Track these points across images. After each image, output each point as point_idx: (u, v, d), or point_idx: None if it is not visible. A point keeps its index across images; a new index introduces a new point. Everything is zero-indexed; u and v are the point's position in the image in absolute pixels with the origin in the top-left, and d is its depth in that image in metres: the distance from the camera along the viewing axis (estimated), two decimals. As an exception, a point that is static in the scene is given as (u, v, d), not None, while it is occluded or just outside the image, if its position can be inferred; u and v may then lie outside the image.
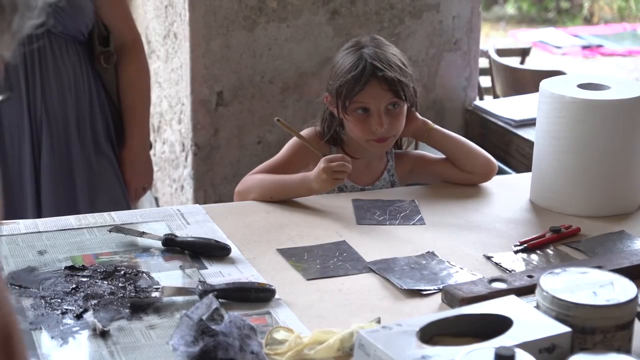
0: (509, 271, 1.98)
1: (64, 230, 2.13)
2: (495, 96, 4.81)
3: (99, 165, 2.79)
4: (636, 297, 1.54)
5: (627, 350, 1.52)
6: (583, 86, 2.34)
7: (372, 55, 2.37)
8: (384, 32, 3.61)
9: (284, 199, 2.35)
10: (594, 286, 1.56)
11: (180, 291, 1.84)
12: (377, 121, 2.37)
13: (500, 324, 1.50)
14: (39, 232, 2.11)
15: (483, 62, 4.86)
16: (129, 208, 2.76)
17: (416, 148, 2.57)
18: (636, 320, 1.57)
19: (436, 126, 2.50)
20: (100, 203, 2.74)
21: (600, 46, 8.80)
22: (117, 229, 2.10)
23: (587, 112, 2.26)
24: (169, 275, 1.94)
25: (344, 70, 2.38)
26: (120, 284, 1.87)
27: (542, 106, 2.34)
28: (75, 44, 2.71)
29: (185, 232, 2.13)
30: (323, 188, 2.32)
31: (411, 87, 2.42)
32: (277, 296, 1.83)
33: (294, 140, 2.47)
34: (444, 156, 2.52)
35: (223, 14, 3.42)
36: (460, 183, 2.47)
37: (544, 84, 2.36)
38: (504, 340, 1.45)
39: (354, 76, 2.36)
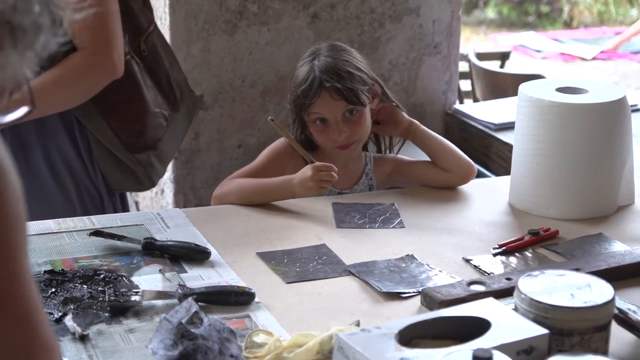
0: (488, 274, 1.98)
1: (43, 234, 2.13)
2: (475, 100, 4.83)
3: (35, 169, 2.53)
4: (613, 299, 1.55)
5: (604, 352, 1.53)
6: (561, 90, 2.35)
7: (321, 67, 2.39)
8: (364, 36, 3.62)
9: (263, 202, 2.35)
10: (572, 288, 1.56)
11: (160, 295, 1.84)
12: (336, 130, 2.39)
13: (479, 327, 1.51)
14: (18, 236, 2.10)
15: (463, 66, 4.88)
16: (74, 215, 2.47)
17: (398, 152, 2.58)
18: (613, 322, 1.58)
19: (423, 126, 2.52)
20: (36, 210, 2.42)
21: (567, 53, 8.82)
22: (97, 232, 2.10)
23: (565, 116, 2.28)
24: (148, 279, 1.94)
25: (296, 84, 2.42)
26: (99, 288, 1.87)
27: (521, 110, 2.35)
28: None
29: (165, 236, 2.13)
30: (305, 194, 2.34)
31: (368, 89, 2.42)
32: (256, 299, 1.83)
33: (272, 146, 2.50)
34: (421, 159, 2.54)
35: (204, 18, 3.42)
36: (438, 186, 2.48)
37: (523, 87, 2.37)
38: (482, 342, 1.46)
39: (303, 90, 2.39)
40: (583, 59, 8.55)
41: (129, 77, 2.51)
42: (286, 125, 2.49)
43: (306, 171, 2.31)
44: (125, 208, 2.71)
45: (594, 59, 8.55)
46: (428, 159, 2.53)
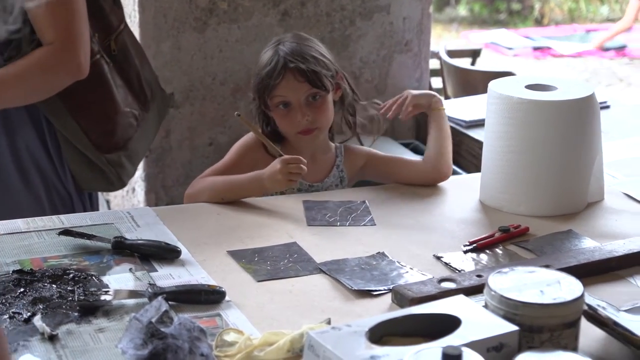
0: (459, 271, 1.99)
1: (12, 233, 2.11)
2: (447, 97, 4.84)
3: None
4: (582, 295, 1.55)
5: (573, 348, 1.54)
6: (531, 87, 2.36)
7: (286, 50, 2.42)
8: (335, 34, 3.62)
9: (235, 199, 2.35)
10: (541, 285, 1.57)
11: (131, 294, 1.83)
12: (299, 113, 2.41)
13: (449, 324, 1.51)
14: (-14, 236, 2.09)
15: (434, 64, 4.89)
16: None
17: (372, 144, 2.59)
18: (583, 319, 1.59)
19: (443, 110, 2.53)
20: (3, 208, 2.46)
21: (550, 47, 8.90)
22: (66, 232, 2.08)
23: (534, 113, 2.28)
24: (118, 278, 1.92)
25: (260, 67, 2.45)
26: (69, 287, 1.86)
27: (490, 107, 2.36)
28: None
29: (135, 235, 2.12)
30: (275, 188, 2.34)
31: (331, 76, 2.44)
32: (227, 298, 1.83)
33: (241, 141, 2.51)
34: (395, 155, 2.55)
35: (173, 15, 3.41)
36: (410, 183, 2.48)
37: (493, 84, 2.37)
38: (453, 339, 1.46)
39: (268, 72, 2.41)
40: (561, 54, 8.63)
41: (98, 76, 2.49)
42: (251, 118, 2.49)
43: (275, 165, 2.31)
44: (94, 207, 2.68)
45: (562, 55, 8.62)
46: (400, 155, 2.54)
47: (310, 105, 2.42)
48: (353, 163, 2.55)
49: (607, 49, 8.81)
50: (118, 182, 2.63)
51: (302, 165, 2.30)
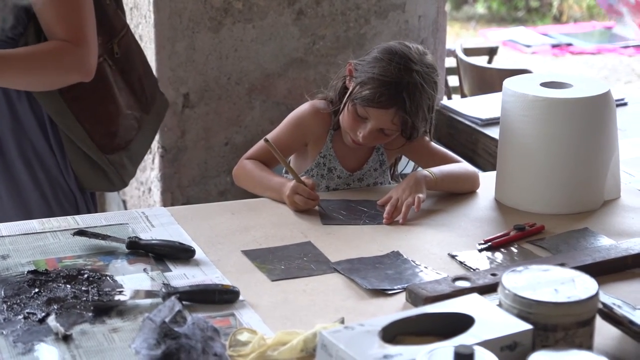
0: (473, 269, 1.98)
1: (27, 234, 2.12)
2: (463, 95, 4.83)
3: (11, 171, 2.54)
4: (597, 293, 1.55)
5: (588, 347, 1.53)
6: (546, 85, 2.35)
7: (410, 90, 2.32)
8: (350, 33, 3.61)
9: (261, 195, 2.41)
10: (556, 283, 1.56)
11: (145, 294, 1.84)
12: (366, 134, 2.37)
13: (463, 323, 1.51)
14: (2, 236, 2.10)
15: (451, 62, 4.88)
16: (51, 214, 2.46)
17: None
18: (598, 317, 1.58)
19: (436, 174, 2.38)
20: (13, 205, 2.52)
21: (569, 45, 8.86)
22: (81, 232, 2.09)
23: (549, 111, 2.27)
24: (133, 278, 1.93)
25: (378, 79, 2.33)
26: (83, 288, 1.86)
27: (505, 105, 2.35)
28: None
29: (149, 235, 2.13)
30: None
31: (422, 131, 2.43)
32: (241, 297, 1.83)
33: (294, 113, 2.52)
34: (440, 148, 2.56)
35: (188, 15, 3.41)
36: None
37: (508, 82, 2.37)
38: (466, 338, 1.45)
39: (380, 92, 2.32)
40: (580, 52, 8.60)
41: (101, 79, 2.52)
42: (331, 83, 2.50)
43: (289, 186, 2.31)
44: (95, 205, 2.71)
45: (581, 53, 8.59)
46: (449, 153, 2.55)
47: (380, 132, 2.38)
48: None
49: (626, 47, 8.76)
50: (119, 182, 2.66)
51: (308, 200, 2.29)
